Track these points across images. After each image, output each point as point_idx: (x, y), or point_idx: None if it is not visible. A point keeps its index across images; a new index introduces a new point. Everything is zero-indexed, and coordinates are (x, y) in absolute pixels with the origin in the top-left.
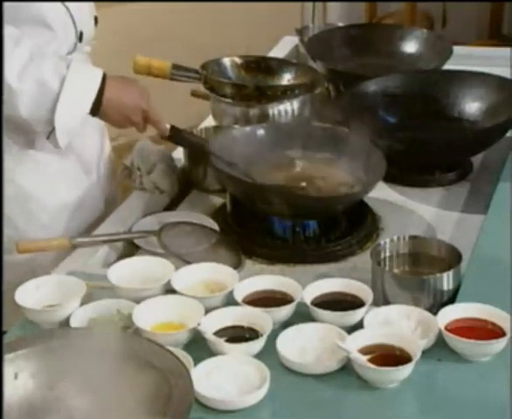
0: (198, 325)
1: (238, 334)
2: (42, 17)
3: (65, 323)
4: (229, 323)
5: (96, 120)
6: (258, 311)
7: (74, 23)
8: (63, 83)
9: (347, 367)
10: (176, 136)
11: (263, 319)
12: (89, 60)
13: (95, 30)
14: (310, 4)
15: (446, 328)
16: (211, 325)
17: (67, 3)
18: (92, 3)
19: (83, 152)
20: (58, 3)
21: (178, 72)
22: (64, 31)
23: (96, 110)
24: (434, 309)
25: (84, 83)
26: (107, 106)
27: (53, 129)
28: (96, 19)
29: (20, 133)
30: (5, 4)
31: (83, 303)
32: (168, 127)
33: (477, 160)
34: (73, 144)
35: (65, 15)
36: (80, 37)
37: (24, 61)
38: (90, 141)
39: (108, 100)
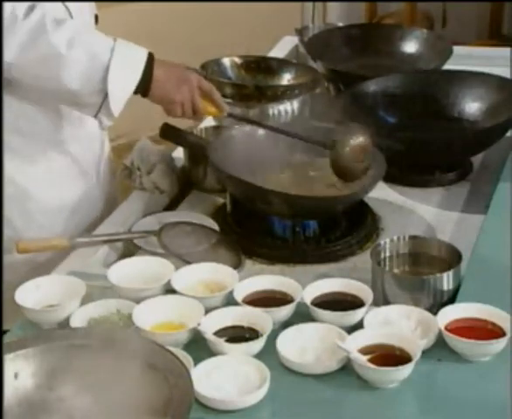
0: (198, 325)
1: (238, 334)
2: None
3: (65, 323)
4: (229, 323)
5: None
6: (258, 311)
7: None
8: (112, 52)
9: (347, 367)
10: (175, 135)
11: (263, 319)
12: None
13: (96, 28)
14: (310, 4)
15: (446, 328)
16: (211, 325)
17: (67, 3)
18: (92, 2)
19: (82, 153)
20: (59, 4)
21: None
22: None
23: (148, 82)
24: (434, 309)
25: (133, 51)
26: (159, 71)
27: (103, 101)
28: (97, 18)
29: (21, 132)
30: None
31: (83, 303)
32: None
33: (477, 160)
34: (72, 145)
35: (64, 14)
36: None
37: (71, 34)
38: (89, 143)
39: (160, 66)
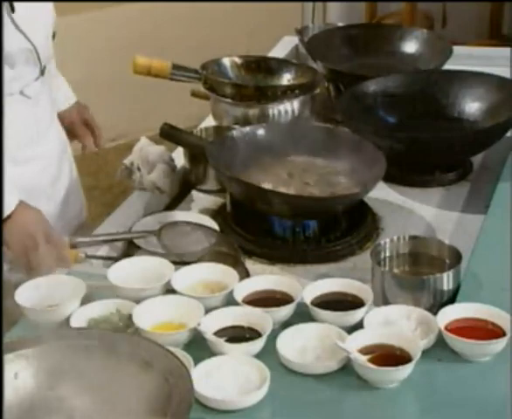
0: (198, 325)
1: (238, 334)
2: (7, 56)
3: (65, 323)
4: (229, 323)
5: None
6: (258, 311)
7: (40, 60)
8: None
9: (347, 367)
10: (175, 135)
11: (263, 319)
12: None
13: (53, 44)
14: (310, 4)
15: (446, 328)
16: (211, 325)
17: (34, 43)
18: (51, 22)
19: (39, 173)
20: (27, 44)
21: (178, 72)
22: (27, 70)
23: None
24: (434, 309)
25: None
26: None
27: None
28: (54, 35)
29: None
30: None
31: (83, 303)
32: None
33: (477, 160)
34: (28, 166)
35: (30, 54)
36: (43, 71)
37: None
38: (46, 163)
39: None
